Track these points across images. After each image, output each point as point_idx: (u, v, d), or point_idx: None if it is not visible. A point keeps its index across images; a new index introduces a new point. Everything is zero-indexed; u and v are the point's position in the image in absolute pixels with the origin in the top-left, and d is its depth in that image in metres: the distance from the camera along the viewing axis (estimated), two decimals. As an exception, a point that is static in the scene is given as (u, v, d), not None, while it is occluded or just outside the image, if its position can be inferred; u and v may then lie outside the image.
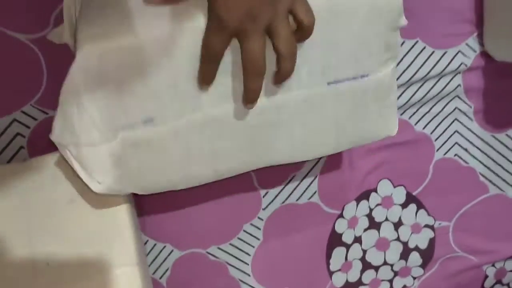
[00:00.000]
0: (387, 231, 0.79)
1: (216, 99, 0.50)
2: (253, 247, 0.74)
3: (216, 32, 0.44)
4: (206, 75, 0.48)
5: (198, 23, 0.46)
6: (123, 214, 0.54)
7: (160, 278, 0.71)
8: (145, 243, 0.69)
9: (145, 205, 0.68)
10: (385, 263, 0.80)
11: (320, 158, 0.72)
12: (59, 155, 0.57)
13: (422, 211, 0.79)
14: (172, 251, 0.71)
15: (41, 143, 0.62)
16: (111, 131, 0.50)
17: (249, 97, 0.48)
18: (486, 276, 0.86)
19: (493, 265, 0.85)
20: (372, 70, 0.53)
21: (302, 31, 0.45)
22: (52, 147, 0.62)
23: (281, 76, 0.48)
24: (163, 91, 0.49)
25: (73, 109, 0.49)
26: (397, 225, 0.79)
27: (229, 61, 0.48)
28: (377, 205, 0.77)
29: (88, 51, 0.46)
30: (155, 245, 0.70)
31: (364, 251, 0.79)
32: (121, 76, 0.47)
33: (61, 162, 0.56)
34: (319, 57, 0.50)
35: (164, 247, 0.70)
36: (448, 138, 0.77)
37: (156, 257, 0.70)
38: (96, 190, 0.52)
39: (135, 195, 0.56)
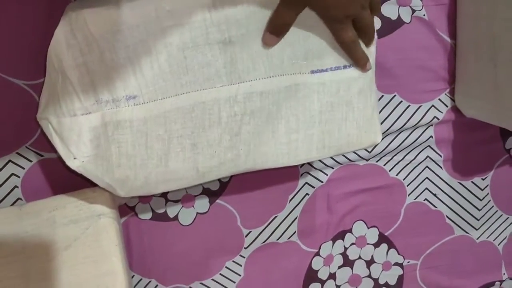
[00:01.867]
0: (359, 268, 0.84)
1: (201, 82, 0.51)
2: (234, 282, 0.77)
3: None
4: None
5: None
6: (117, 260, 0.57)
7: (144, 312, 0.74)
8: (132, 277, 0.72)
9: (132, 242, 0.70)
10: (356, 297, 0.85)
11: (301, 200, 0.77)
12: (55, 200, 0.60)
13: (392, 250, 0.84)
14: (156, 286, 0.73)
15: (35, 183, 0.64)
16: (93, 103, 0.50)
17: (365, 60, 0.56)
18: (449, 310, 0.92)
19: (455, 300, 0.91)
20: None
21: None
22: (45, 187, 0.65)
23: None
24: (147, 68, 0.50)
25: (57, 76, 0.50)
26: (369, 263, 0.84)
27: (216, 43, 0.51)
28: (352, 244, 0.82)
29: (73, 14, 0.47)
30: (140, 280, 0.73)
31: (338, 287, 0.83)
32: (104, 46, 0.48)
33: (58, 208, 0.58)
34: (301, 41, 0.53)
35: (149, 282, 0.73)
36: (419, 184, 0.82)
37: (141, 291, 0.73)
38: (71, 165, 0.52)
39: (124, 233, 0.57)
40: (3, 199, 0.64)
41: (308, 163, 0.76)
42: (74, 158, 0.51)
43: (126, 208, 0.69)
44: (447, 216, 0.86)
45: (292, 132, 0.56)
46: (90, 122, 0.50)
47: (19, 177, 0.63)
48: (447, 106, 0.79)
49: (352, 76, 0.56)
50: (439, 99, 0.78)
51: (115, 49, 0.48)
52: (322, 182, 0.77)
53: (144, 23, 0.48)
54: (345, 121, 0.57)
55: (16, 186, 0.64)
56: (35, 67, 0.60)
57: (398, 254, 0.85)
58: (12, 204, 0.64)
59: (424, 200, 0.83)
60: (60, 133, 0.51)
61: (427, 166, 0.82)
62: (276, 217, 0.76)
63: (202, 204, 0.72)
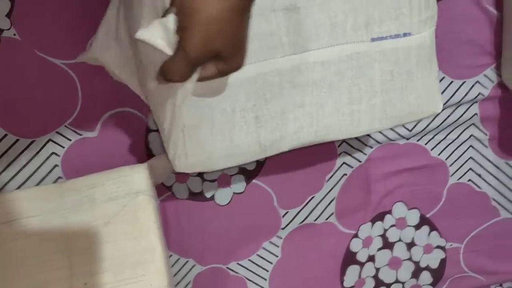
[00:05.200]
0: (400, 251, 0.81)
1: (265, 52, 0.51)
2: (271, 263, 0.77)
3: None
4: None
5: None
6: (155, 236, 0.57)
7: (182, 291, 0.74)
8: (169, 256, 0.72)
9: (169, 221, 0.71)
10: (396, 281, 0.83)
11: (338, 181, 0.75)
12: (94, 177, 0.60)
13: (434, 232, 0.82)
14: (194, 265, 0.74)
15: (74, 162, 0.65)
16: None
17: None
18: (494, 296, 0.89)
19: (500, 285, 0.88)
20: (414, 28, 0.54)
21: None
22: (84, 166, 0.66)
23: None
24: None
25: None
26: (410, 245, 0.82)
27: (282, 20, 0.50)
28: (391, 226, 0.80)
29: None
30: (178, 259, 0.73)
31: (377, 269, 0.81)
32: None
33: (97, 185, 0.59)
34: (363, 8, 0.52)
35: (187, 261, 0.73)
36: (463, 164, 0.79)
37: (178, 271, 0.73)
38: None
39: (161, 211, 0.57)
40: (44, 177, 0.65)
41: (347, 143, 0.74)
42: None
43: (163, 188, 0.70)
44: (492, 198, 0.82)
45: (355, 102, 0.54)
46: None
47: (59, 156, 0.65)
48: (493, 82, 0.76)
49: (411, 44, 0.54)
50: (484, 75, 0.75)
51: None
52: (360, 162, 0.75)
53: None
54: (405, 90, 0.55)
55: (56, 165, 0.65)
56: (73, 46, 0.61)
57: (441, 237, 0.82)
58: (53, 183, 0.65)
59: (468, 181, 0.80)
60: None
61: (471, 145, 0.79)
62: (313, 197, 0.75)
63: (239, 184, 0.72)
